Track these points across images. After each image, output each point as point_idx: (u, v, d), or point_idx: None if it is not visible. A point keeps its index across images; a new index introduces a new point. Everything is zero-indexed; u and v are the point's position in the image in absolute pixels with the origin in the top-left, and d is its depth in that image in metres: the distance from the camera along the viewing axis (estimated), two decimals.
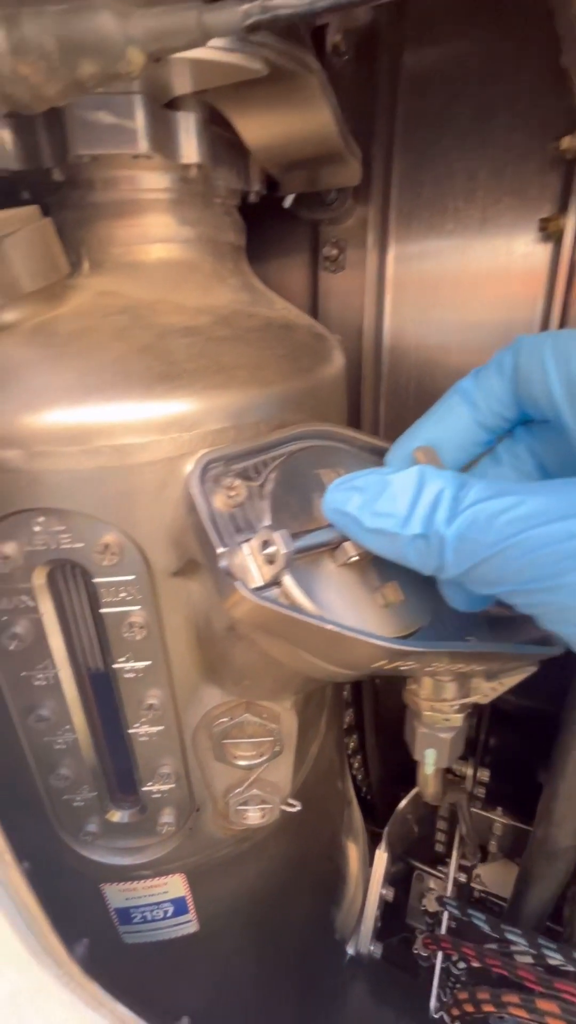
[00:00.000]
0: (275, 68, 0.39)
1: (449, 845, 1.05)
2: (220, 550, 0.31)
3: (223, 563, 0.31)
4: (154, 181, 0.47)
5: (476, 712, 1.01)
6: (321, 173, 0.56)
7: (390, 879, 1.09)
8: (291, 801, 0.53)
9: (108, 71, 0.31)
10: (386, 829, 1.01)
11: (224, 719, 0.47)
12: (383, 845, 1.00)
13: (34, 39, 0.30)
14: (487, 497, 0.24)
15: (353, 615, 0.32)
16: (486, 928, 0.70)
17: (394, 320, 0.73)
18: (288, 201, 0.70)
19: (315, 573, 0.34)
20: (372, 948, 0.98)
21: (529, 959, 0.66)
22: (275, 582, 0.32)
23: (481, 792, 1.08)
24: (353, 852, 1.00)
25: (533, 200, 0.62)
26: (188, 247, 0.50)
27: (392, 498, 0.27)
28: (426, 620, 0.35)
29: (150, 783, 0.49)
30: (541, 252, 0.63)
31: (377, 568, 0.35)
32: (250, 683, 0.44)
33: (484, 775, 1.05)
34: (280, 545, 0.30)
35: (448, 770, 1.11)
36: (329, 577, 0.34)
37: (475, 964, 0.70)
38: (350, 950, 0.98)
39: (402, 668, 0.32)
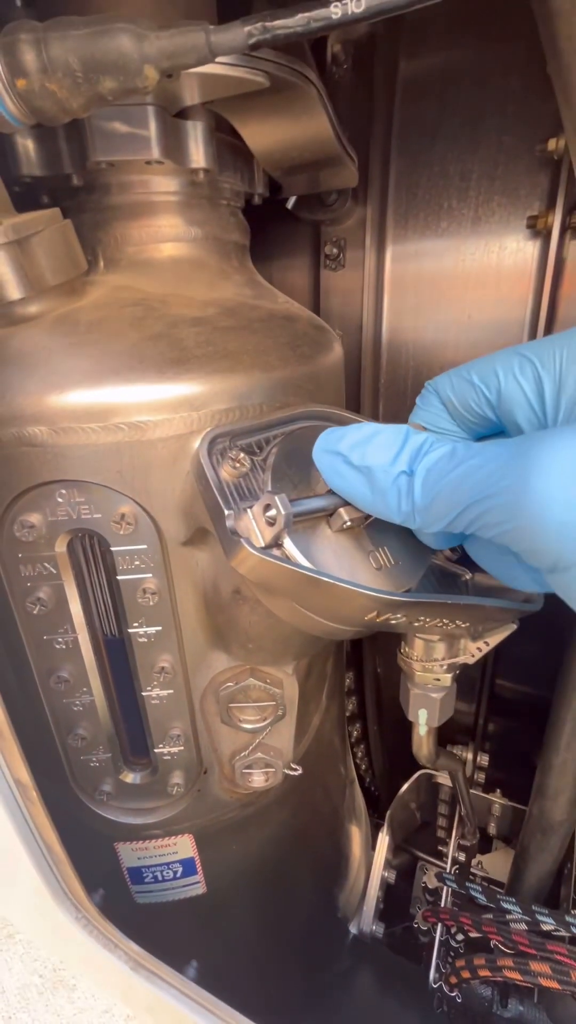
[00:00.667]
0: (276, 80, 0.43)
1: (450, 829, 1.08)
2: (227, 512, 0.35)
3: (229, 523, 0.34)
4: (165, 185, 0.51)
5: (476, 698, 1.04)
6: (320, 176, 0.60)
7: (395, 869, 1.12)
8: (293, 765, 0.56)
9: (127, 86, 0.35)
10: (388, 812, 1.04)
11: (230, 683, 0.51)
12: (385, 828, 1.03)
13: (60, 59, 0.33)
14: (441, 448, 0.30)
15: (348, 575, 0.36)
16: (482, 899, 0.73)
17: (392, 316, 0.77)
18: (291, 203, 0.74)
19: (313, 538, 0.37)
20: (374, 928, 1.01)
21: (523, 926, 0.68)
22: (276, 543, 0.35)
23: (481, 777, 1.10)
24: (356, 835, 1.03)
25: (523, 199, 0.65)
26: (196, 246, 0.54)
27: (382, 443, 0.32)
28: (414, 583, 0.39)
29: (161, 745, 0.53)
30: (531, 248, 0.66)
31: (370, 534, 0.39)
32: (254, 646, 0.47)
33: (484, 760, 1.08)
34: (279, 508, 0.33)
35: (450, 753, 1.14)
36: (326, 541, 0.37)
37: (473, 934, 0.73)
38: (353, 929, 1.01)
39: (391, 621, 0.36)
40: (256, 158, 0.54)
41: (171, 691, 0.50)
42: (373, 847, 1.03)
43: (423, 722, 0.47)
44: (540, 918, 0.66)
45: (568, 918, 0.64)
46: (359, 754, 1.25)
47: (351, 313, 0.78)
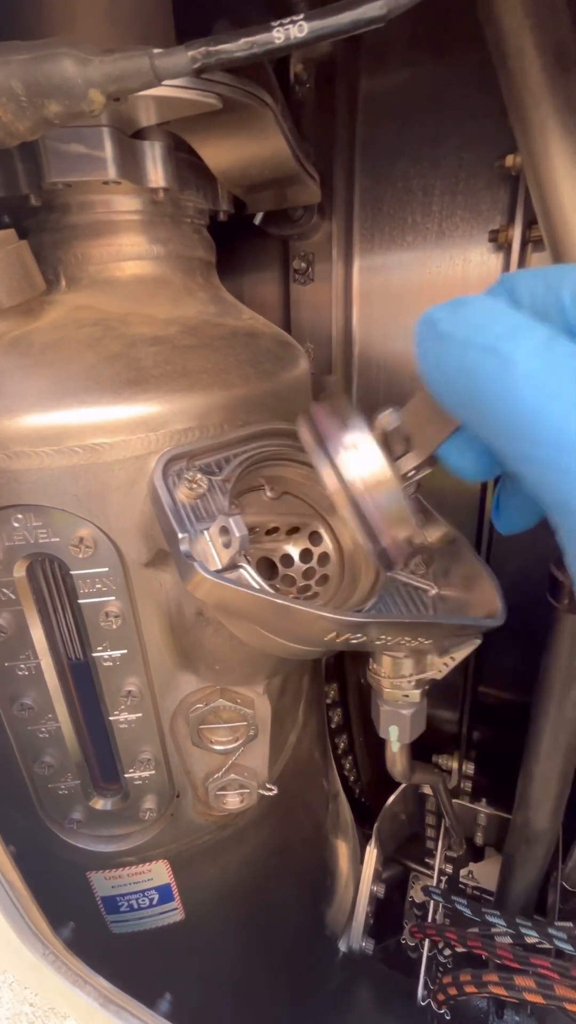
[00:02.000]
0: (230, 102, 0.43)
1: (438, 840, 1.07)
2: (181, 535, 0.34)
3: (183, 547, 0.34)
4: (125, 204, 0.51)
5: (459, 707, 1.04)
6: (282, 193, 0.60)
7: (386, 881, 1.11)
8: (268, 785, 0.55)
9: (72, 110, 0.34)
10: (376, 825, 1.03)
11: (200, 705, 0.50)
12: (373, 841, 1.02)
13: (3, 84, 0.33)
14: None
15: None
16: (468, 912, 0.72)
17: (362, 328, 0.77)
18: (258, 219, 0.74)
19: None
20: (364, 944, 0.99)
21: (508, 939, 0.68)
22: (233, 565, 0.35)
23: (468, 786, 1.10)
24: (342, 849, 1.02)
25: (484, 213, 0.66)
26: (159, 264, 0.54)
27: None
28: (370, 602, 0.38)
29: (131, 770, 0.51)
30: (494, 261, 0.67)
31: None
32: (221, 668, 0.46)
33: (469, 769, 1.07)
34: (234, 529, 0.33)
35: (434, 765, 1.13)
36: None
37: (459, 949, 0.72)
38: (342, 947, 1.00)
39: (352, 641, 0.35)
40: (216, 176, 0.54)
41: (139, 715, 0.49)
42: (362, 860, 1.02)
43: (394, 739, 0.47)
44: (524, 931, 0.65)
45: (551, 930, 0.63)
46: (347, 766, 1.24)
47: (322, 326, 0.78)
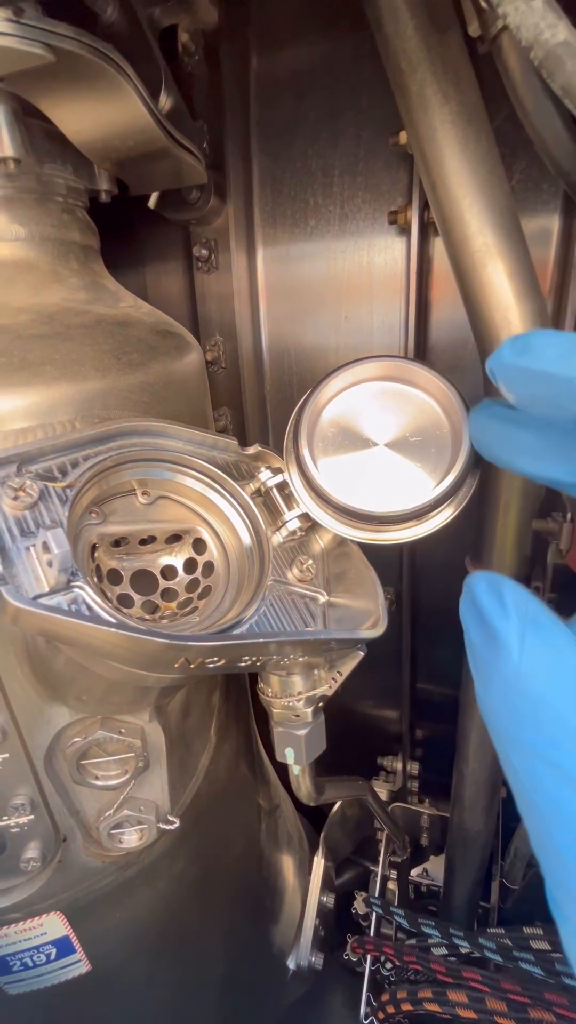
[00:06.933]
0: (66, 55, 0.38)
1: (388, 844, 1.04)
2: None
3: None
4: None
5: (400, 705, 1.02)
6: (156, 170, 0.55)
7: (346, 885, 1.08)
8: (170, 818, 0.50)
9: None
10: (323, 834, 0.99)
11: (77, 739, 0.44)
12: (320, 851, 0.99)
13: None
14: None
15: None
16: (405, 923, 0.69)
17: (271, 321, 0.73)
18: (153, 201, 0.69)
19: None
20: (313, 959, 0.95)
21: (444, 950, 0.65)
22: (67, 586, 0.30)
23: (414, 786, 1.08)
24: (287, 863, 0.98)
25: (386, 194, 0.63)
26: (22, 245, 0.48)
27: None
28: (252, 613, 0.34)
29: (5, 817, 0.45)
30: (400, 246, 0.64)
31: None
32: (88, 698, 0.41)
33: (414, 769, 1.06)
34: (52, 545, 0.28)
35: (380, 767, 1.11)
36: None
37: (397, 963, 0.69)
38: (291, 964, 0.96)
39: (209, 665, 0.31)
40: (77, 147, 0.49)
41: (6, 755, 0.43)
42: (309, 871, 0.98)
43: (291, 761, 0.43)
44: (456, 941, 0.63)
45: (481, 940, 0.61)
46: None
47: (229, 318, 0.74)
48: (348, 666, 0.38)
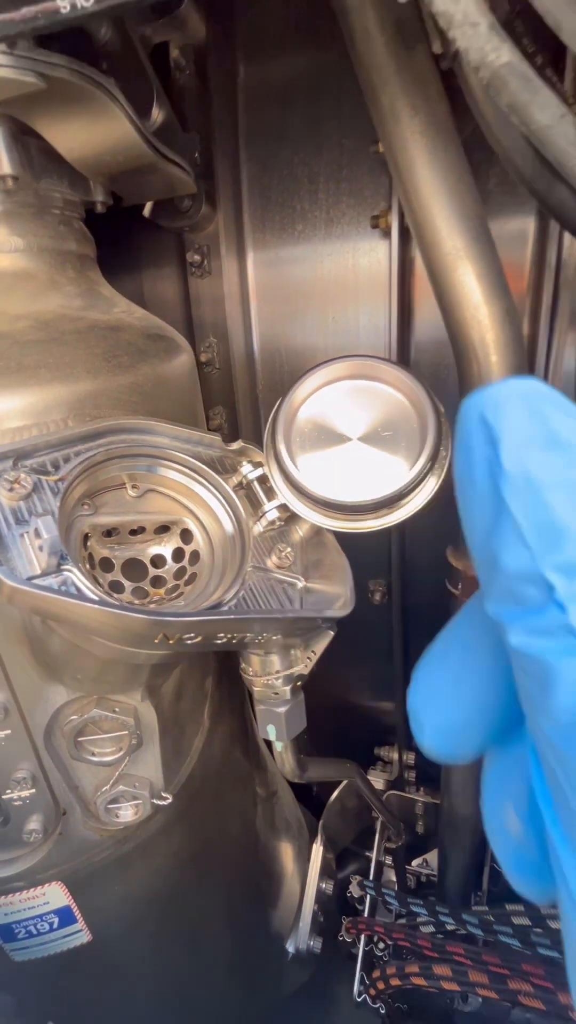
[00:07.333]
0: (56, 81, 0.41)
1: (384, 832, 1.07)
2: None
3: None
4: None
5: (395, 697, 1.04)
6: (146, 183, 0.58)
7: (332, 879, 1.10)
8: (163, 794, 0.53)
9: None
10: (321, 822, 1.02)
11: (74, 716, 0.48)
12: (319, 838, 1.01)
13: None
14: None
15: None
16: (395, 903, 0.72)
17: (262, 322, 0.76)
18: (147, 210, 0.72)
19: None
20: (311, 943, 0.98)
21: (432, 928, 0.68)
22: (57, 569, 0.33)
23: (411, 775, 1.10)
24: (286, 850, 1.01)
25: (369, 199, 0.66)
26: (21, 257, 0.51)
27: None
28: (231, 596, 0.37)
29: (8, 791, 0.49)
30: (383, 249, 0.67)
31: None
32: (82, 676, 0.44)
33: (410, 758, 1.08)
34: (43, 531, 0.31)
35: (377, 757, 1.13)
36: None
37: (388, 941, 0.72)
38: (289, 947, 0.98)
39: (187, 641, 0.34)
40: (71, 163, 0.52)
41: (8, 731, 0.47)
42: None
43: (273, 737, 0.45)
44: (442, 918, 0.65)
45: (464, 915, 0.63)
46: None
47: (222, 320, 0.77)
48: (321, 644, 0.41)
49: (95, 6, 0.31)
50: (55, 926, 0.57)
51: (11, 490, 0.35)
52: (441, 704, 0.23)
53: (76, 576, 0.33)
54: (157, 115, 0.64)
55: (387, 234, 0.65)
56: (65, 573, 0.33)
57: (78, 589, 0.32)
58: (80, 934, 0.59)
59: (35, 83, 0.40)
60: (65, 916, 0.57)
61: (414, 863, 1.11)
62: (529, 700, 0.17)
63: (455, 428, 0.17)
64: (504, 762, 0.22)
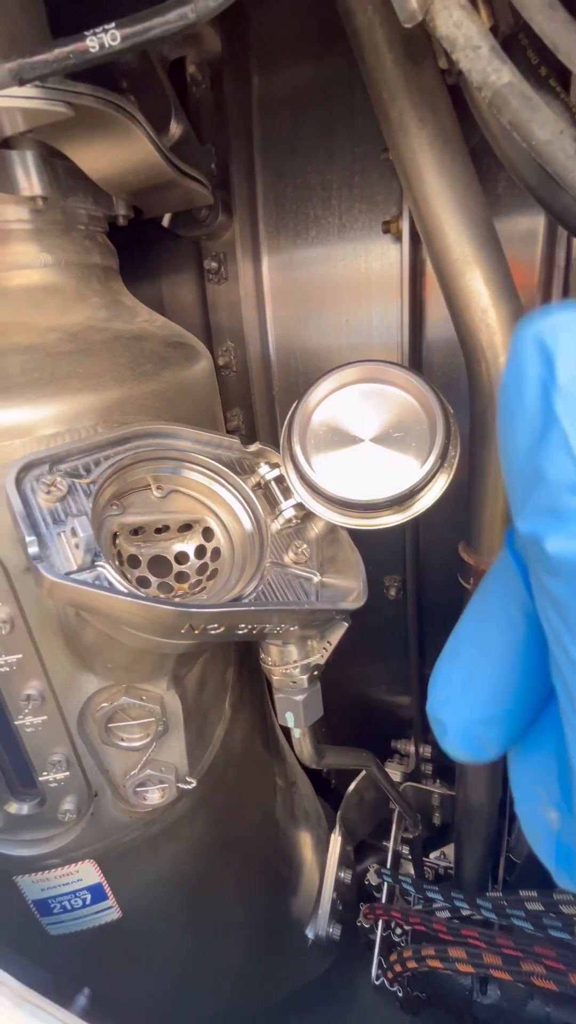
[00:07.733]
0: (83, 109, 0.44)
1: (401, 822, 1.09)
2: (28, 539, 0.35)
3: (31, 551, 0.35)
4: (8, 214, 0.51)
5: (411, 690, 1.06)
6: (168, 198, 0.61)
7: (351, 869, 1.12)
8: (188, 779, 0.56)
9: None
10: (339, 813, 1.05)
11: (105, 704, 0.51)
12: (337, 829, 1.04)
13: None
14: None
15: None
16: (412, 889, 0.74)
17: (277, 325, 0.78)
18: (166, 220, 0.75)
19: None
20: (331, 930, 1.01)
21: (447, 913, 0.69)
22: (91, 565, 0.36)
23: (428, 768, 1.12)
24: (305, 839, 1.03)
25: (381, 205, 0.67)
26: (50, 271, 0.54)
27: None
28: (251, 590, 0.39)
29: (44, 773, 0.52)
30: (395, 252, 0.68)
31: None
32: (113, 666, 0.47)
33: (427, 751, 1.09)
34: (79, 529, 0.34)
35: (394, 750, 1.15)
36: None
37: (405, 926, 0.74)
38: (309, 934, 1.01)
39: (211, 632, 0.36)
40: (97, 182, 0.55)
41: (44, 717, 0.50)
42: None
43: (292, 724, 0.48)
44: (457, 903, 0.67)
45: (479, 900, 0.65)
46: None
47: (239, 325, 0.79)
48: (336, 635, 0.43)
49: (122, 44, 0.33)
50: (87, 902, 0.60)
51: (48, 492, 0.38)
52: (459, 703, 0.23)
53: (108, 571, 0.36)
54: (175, 129, 0.67)
55: (398, 238, 0.67)
56: (99, 569, 0.36)
57: (110, 583, 0.35)
58: (111, 910, 0.62)
59: (64, 112, 0.42)
60: (97, 893, 0.60)
61: (432, 856, 1.13)
62: (562, 630, 0.17)
63: (507, 353, 0.18)
64: (532, 756, 0.23)
